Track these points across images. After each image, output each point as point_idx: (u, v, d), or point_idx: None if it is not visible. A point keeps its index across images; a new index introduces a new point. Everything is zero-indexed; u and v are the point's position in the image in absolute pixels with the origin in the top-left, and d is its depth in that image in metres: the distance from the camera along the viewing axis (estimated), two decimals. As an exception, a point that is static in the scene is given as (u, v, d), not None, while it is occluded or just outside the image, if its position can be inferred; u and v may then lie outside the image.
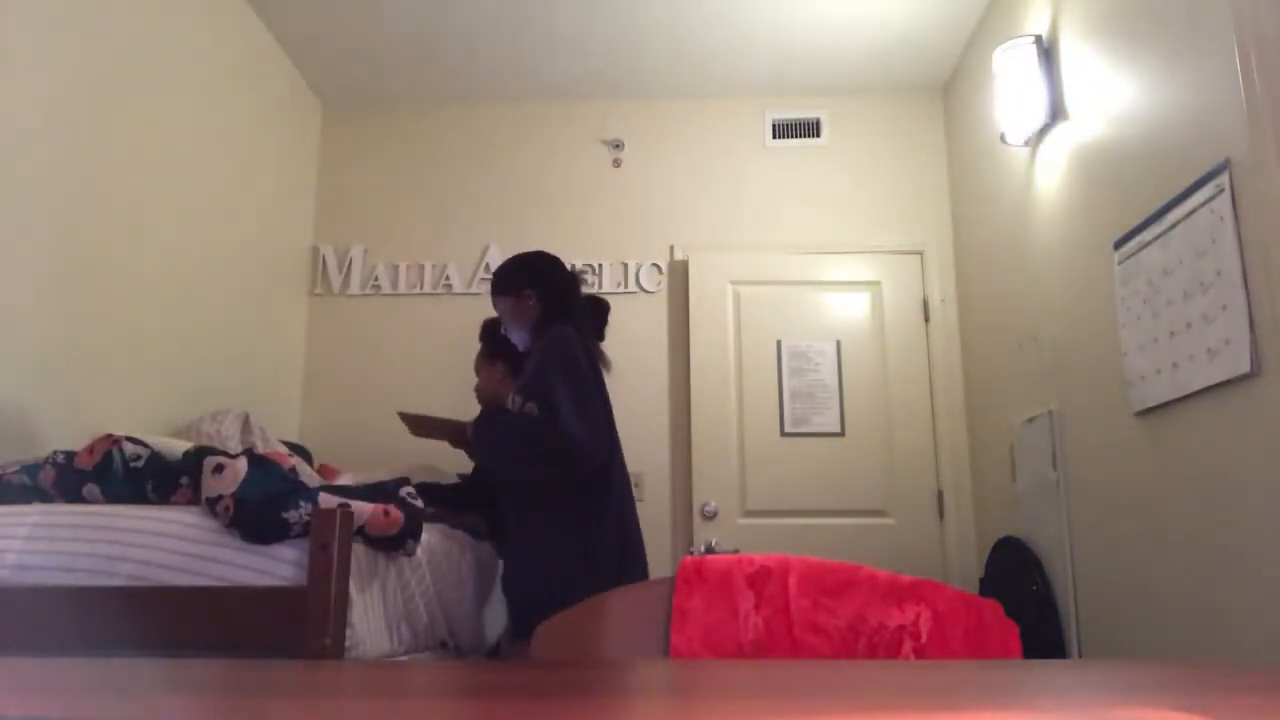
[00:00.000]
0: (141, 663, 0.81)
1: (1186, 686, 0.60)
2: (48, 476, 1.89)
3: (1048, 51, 2.79)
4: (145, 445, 1.92)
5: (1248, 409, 1.80)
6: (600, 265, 3.76)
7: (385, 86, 3.91)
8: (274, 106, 3.61)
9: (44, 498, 1.89)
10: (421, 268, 3.85)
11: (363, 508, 1.82)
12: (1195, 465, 1.99)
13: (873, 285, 3.73)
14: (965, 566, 3.41)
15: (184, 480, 1.83)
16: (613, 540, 2.35)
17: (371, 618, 1.82)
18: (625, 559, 2.38)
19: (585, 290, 2.72)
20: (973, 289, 3.57)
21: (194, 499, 1.81)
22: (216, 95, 3.11)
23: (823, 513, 3.47)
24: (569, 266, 2.69)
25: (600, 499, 2.35)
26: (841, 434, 3.54)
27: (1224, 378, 1.85)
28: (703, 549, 3.41)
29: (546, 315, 2.51)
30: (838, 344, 3.64)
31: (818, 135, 3.91)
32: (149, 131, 2.71)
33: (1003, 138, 3.00)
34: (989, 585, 3.10)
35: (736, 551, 2.76)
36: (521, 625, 2.31)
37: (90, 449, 1.91)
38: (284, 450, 2.44)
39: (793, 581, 1.08)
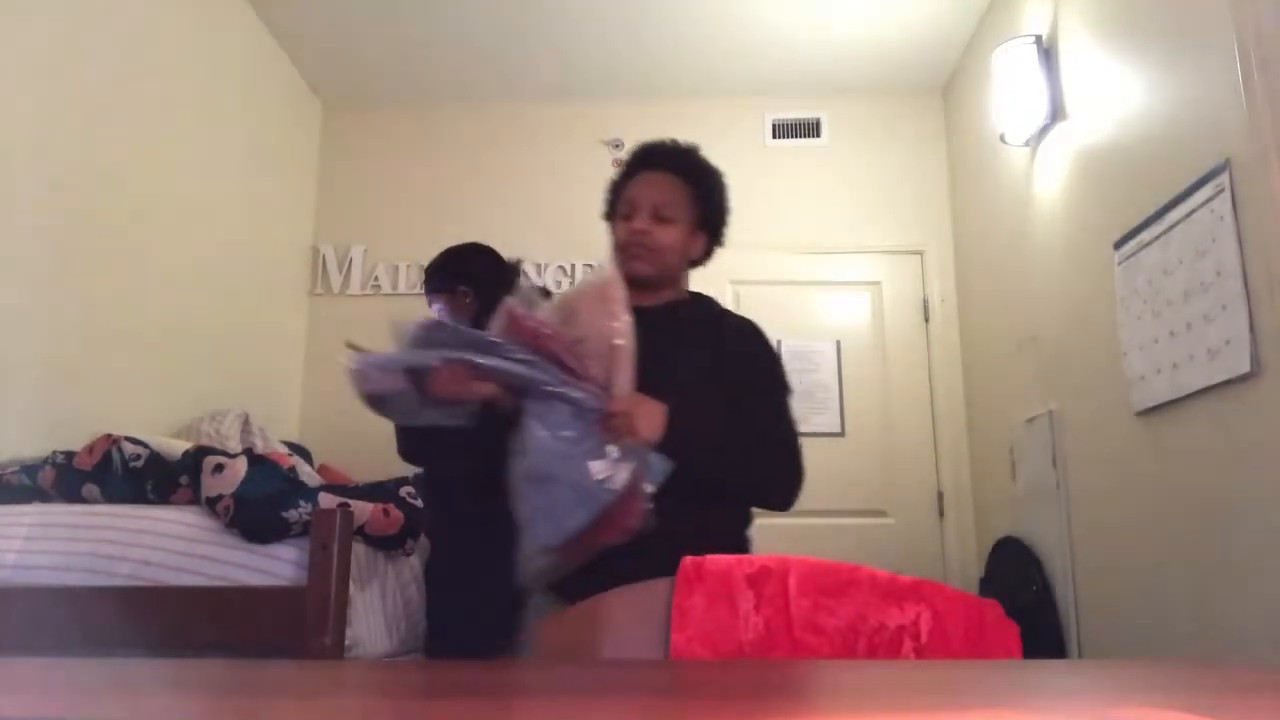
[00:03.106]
0: (141, 663, 0.81)
1: (1186, 686, 0.60)
2: (47, 476, 1.89)
3: (1048, 51, 2.79)
4: (145, 445, 1.93)
5: (1248, 409, 1.80)
6: (600, 265, 3.77)
7: (385, 86, 3.91)
8: (274, 106, 3.61)
9: (43, 497, 1.89)
10: (422, 268, 3.85)
11: (363, 507, 1.82)
12: (1195, 465, 1.99)
13: (873, 285, 3.73)
14: (965, 566, 3.41)
15: (183, 480, 1.83)
16: (438, 568, 2.02)
17: (371, 618, 1.82)
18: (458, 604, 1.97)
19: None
20: (973, 289, 3.56)
21: (194, 499, 1.81)
22: (216, 95, 3.11)
23: (823, 513, 3.46)
24: (508, 258, 2.46)
25: (430, 513, 2.04)
26: (841, 434, 3.54)
27: (1224, 378, 1.85)
28: (703, 549, 3.40)
29: (484, 313, 2.31)
30: (838, 344, 3.64)
31: (818, 135, 3.91)
32: (148, 131, 2.71)
33: (1003, 138, 3.00)
34: (989, 585, 3.10)
35: (736, 551, 2.75)
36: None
37: (90, 449, 1.91)
38: (284, 450, 2.44)
39: (793, 581, 1.08)
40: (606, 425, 1.38)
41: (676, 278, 1.78)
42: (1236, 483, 1.84)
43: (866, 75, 3.78)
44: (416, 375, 1.38)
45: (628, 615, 1.11)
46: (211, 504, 1.73)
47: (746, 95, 3.91)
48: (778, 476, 1.64)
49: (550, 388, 1.38)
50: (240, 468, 1.77)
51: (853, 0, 3.31)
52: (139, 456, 1.89)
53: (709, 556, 1.14)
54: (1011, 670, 0.74)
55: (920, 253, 3.76)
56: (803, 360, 3.62)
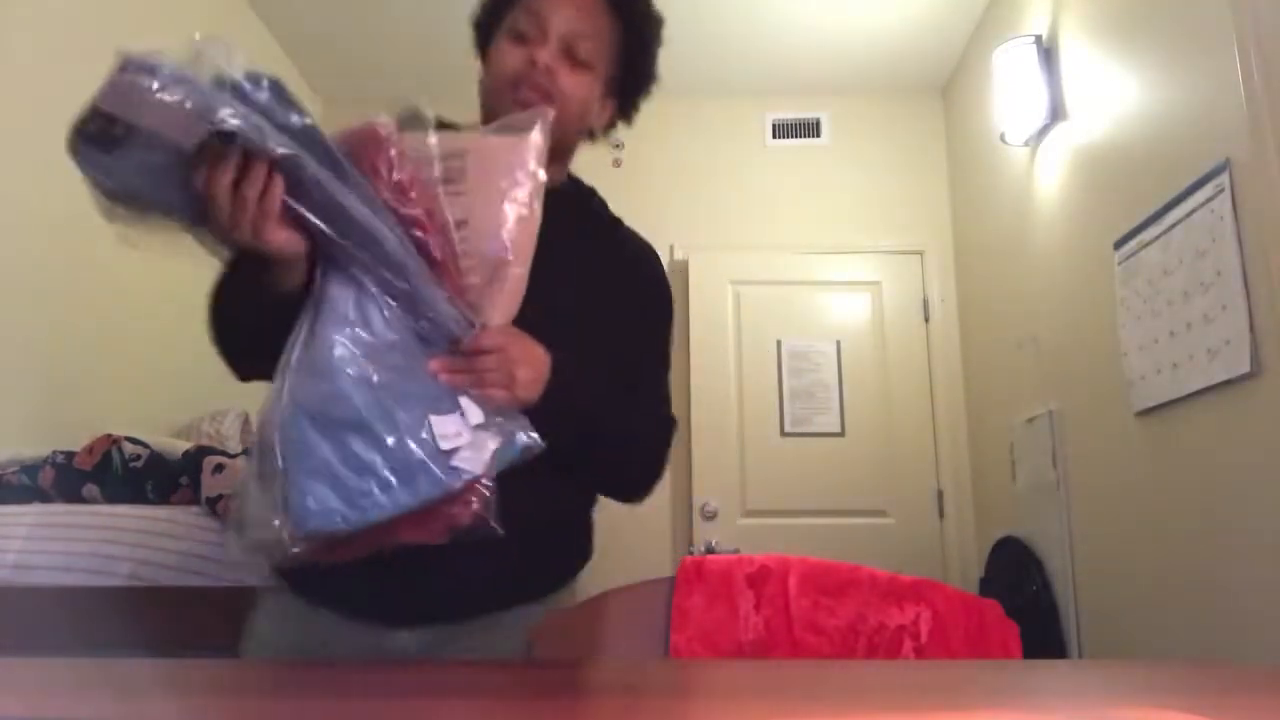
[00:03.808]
0: (141, 663, 0.81)
1: (1186, 686, 0.60)
2: (47, 476, 1.89)
3: (1048, 51, 2.79)
4: (145, 445, 1.93)
5: (1248, 409, 1.80)
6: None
7: (385, 86, 3.91)
8: (274, 106, 3.60)
9: (43, 498, 1.89)
10: (421, 268, 3.85)
11: (362, 508, 1.81)
12: (1195, 465, 1.99)
13: (873, 285, 3.73)
14: (965, 566, 3.41)
15: (183, 480, 1.84)
16: None
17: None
18: None
19: None
20: (973, 289, 3.56)
21: (194, 499, 1.81)
22: (216, 95, 3.11)
23: (823, 513, 3.47)
24: None
25: None
26: (841, 434, 3.54)
27: (1224, 378, 1.85)
28: (703, 549, 3.41)
29: None
30: (838, 344, 3.64)
31: (818, 135, 3.91)
32: (149, 131, 2.71)
33: (1003, 138, 3.00)
34: (989, 585, 3.10)
35: (736, 551, 2.76)
36: None
37: (90, 449, 1.91)
38: (284, 450, 2.44)
39: (793, 581, 1.08)
40: (466, 366, 0.89)
41: (570, 150, 1.24)
42: (1236, 483, 1.84)
43: (866, 75, 3.78)
44: (203, 147, 0.81)
45: (628, 615, 1.11)
46: (211, 504, 1.73)
47: (746, 95, 3.91)
48: (651, 463, 1.17)
49: (406, 280, 0.86)
50: (241, 468, 1.77)
51: (853, 0, 3.31)
52: (139, 456, 1.89)
53: (709, 557, 1.13)
54: (1011, 670, 0.74)
55: (920, 253, 3.76)
56: (803, 360, 3.62)
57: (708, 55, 3.63)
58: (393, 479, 0.83)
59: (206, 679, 0.59)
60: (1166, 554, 2.11)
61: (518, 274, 0.92)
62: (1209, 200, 1.91)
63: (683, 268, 3.75)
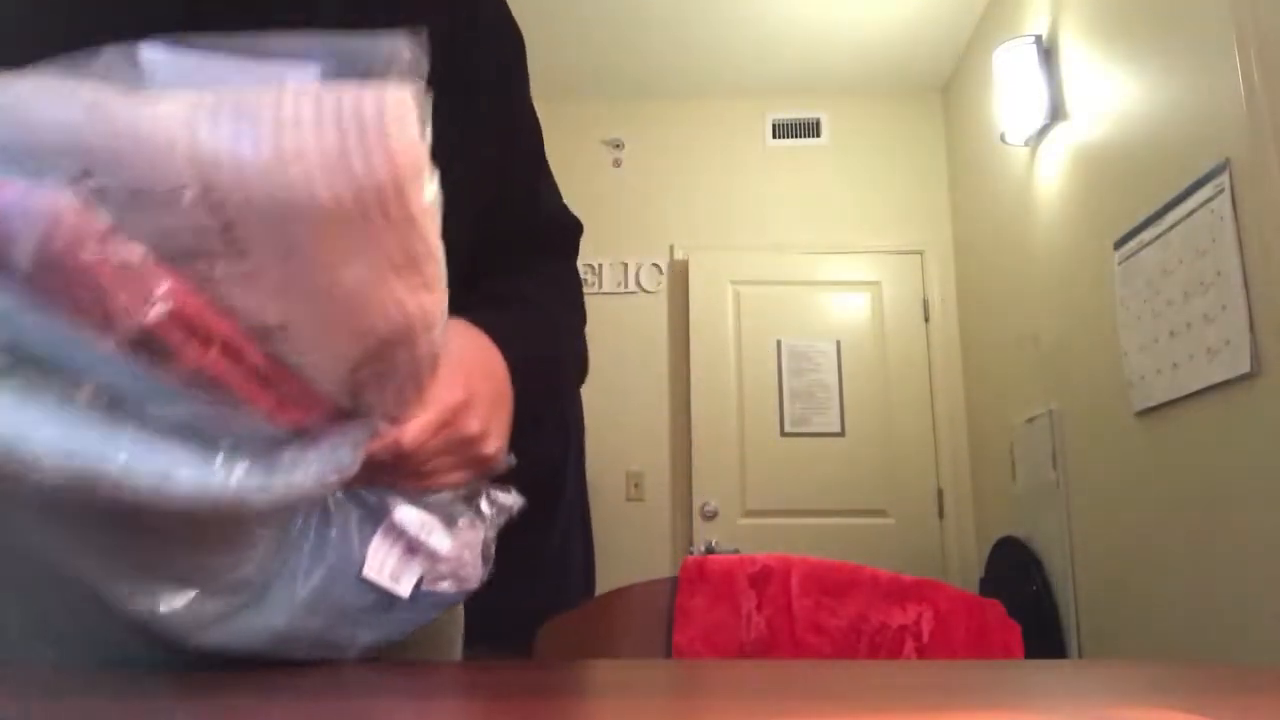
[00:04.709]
0: (140, 665, 0.81)
1: (1186, 686, 0.60)
2: (48, 477, 1.89)
3: (1048, 51, 2.80)
4: (146, 445, 1.93)
5: (1248, 409, 1.81)
6: (600, 265, 3.77)
7: (385, 87, 3.91)
8: (274, 107, 3.61)
9: (44, 498, 1.89)
10: (421, 268, 3.85)
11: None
12: (1195, 465, 1.99)
13: (873, 285, 3.73)
14: (965, 566, 3.42)
15: (184, 480, 1.83)
16: None
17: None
18: None
19: None
20: (973, 289, 3.57)
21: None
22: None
23: (823, 513, 3.47)
24: None
25: None
26: (841, 434, 3.55)
27: (1224, 378, 1.85)
28: (703, 549, 3.41)
29: None
30: (838, 344, 3.64)
31: (818, 135, 3.91)
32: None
33: (1003, 138, 3.00)
34: (989, 585, 3.10)
35: (736, 551, 2.76)
36: None
37: (91, 449, 1.91)
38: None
39: (795, 581, 1.08)
40: (394, 472, 0.53)
41: None
42: (1236, 482, 1.85)
43: (866, 75, 3.78)
44: None
45: (630, 615, 1.12)
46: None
47: (746, 95, 3.91)
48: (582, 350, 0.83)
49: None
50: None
51: (853, 0, 3.31)
52: (140, 457, 1.89)
53: (711, 557, 1.14)
54: (1012, 670, 0.74)
55: (920, 253, 3.76)
56: (803, 360, 3.62)
57: (708, 55, 3.63)
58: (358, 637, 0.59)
59: (206, 679, 0.59)
60: (1166, 554, 2.11)
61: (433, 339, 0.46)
62: (1209, 200, 1.91)
63: (683, 268, 3.75)
